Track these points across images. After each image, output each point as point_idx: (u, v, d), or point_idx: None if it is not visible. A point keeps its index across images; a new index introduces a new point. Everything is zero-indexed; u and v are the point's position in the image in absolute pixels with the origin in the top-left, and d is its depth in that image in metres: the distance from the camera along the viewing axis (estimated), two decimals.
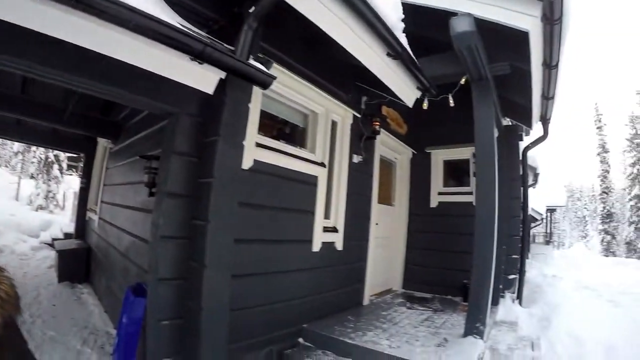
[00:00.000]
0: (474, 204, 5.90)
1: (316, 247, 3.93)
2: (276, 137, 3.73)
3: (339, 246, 4.28)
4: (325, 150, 4.20)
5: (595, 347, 4.35)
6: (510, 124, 5.92)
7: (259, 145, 3.36)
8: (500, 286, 5.28)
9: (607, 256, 24.82)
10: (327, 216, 4.22)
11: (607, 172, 28.48)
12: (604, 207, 28.29)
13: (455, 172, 6.28)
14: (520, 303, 5.24)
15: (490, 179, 3.75)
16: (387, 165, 6.10)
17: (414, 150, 6.34)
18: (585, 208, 44.82)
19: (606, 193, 28.28)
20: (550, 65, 3.74)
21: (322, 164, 4.08)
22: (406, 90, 4.12)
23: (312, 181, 3.94)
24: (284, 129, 4.11)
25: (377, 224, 5.19)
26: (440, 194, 6.09)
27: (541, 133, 5.41)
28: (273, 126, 3.93)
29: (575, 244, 32.22)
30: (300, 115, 4.20)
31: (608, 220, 28.04)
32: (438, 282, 5.81)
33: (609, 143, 28.86)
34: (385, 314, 4.53)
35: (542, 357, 3.85)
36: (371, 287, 5.30)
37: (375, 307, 4.81)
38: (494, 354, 3.58)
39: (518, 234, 5.48)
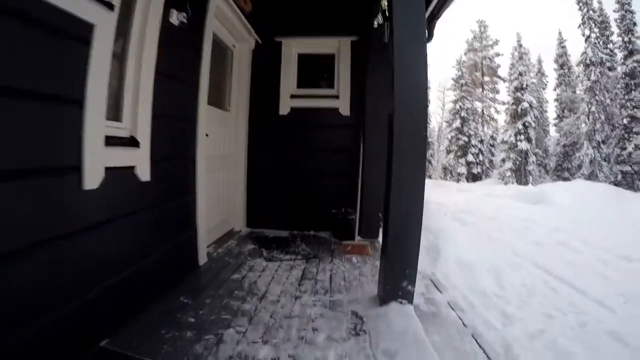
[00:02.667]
0: (340, 110, 4.52)
1: (93, 180, 1.73)
2: None
3: (144, 174, 2.16)
4: None
5: (482, 271, 3.85)
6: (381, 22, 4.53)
7: None
8: (380, 214, 4.21)
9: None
10: (116, 115, 2.03)
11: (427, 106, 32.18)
12: None
13: (315, 71, 4.60)
14: None
15: (419, 69, 2.25)
16: (222, 53, 3.96)
17: (258, 38, 4.36)
18: None
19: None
20: None
21: (105, 1, 1.79)
22: None
23: (79, 32, 1.63)
24: None
25: (207, 135, 3.24)
26: (293, 97, 4.40)
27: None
28: None
29: None
30: None
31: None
32: (295, 214, 4.34)
33: (432, 81, 32.21)
34: (238, 277, 2.81)
35: (454, 298, 2.93)
36: (208, 234, 3.46)
37: (219, 267, 3.03)
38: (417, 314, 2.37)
39: None
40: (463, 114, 28.11)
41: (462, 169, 27.35)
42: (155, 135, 2.25)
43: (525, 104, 24.10)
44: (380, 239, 4.00)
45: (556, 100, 26.26)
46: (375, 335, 1.97)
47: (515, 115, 24.64)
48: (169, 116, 2.51)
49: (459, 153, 27.75)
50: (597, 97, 21.45)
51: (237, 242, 3.81)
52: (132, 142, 2.06)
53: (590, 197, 9.01)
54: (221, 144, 3.87)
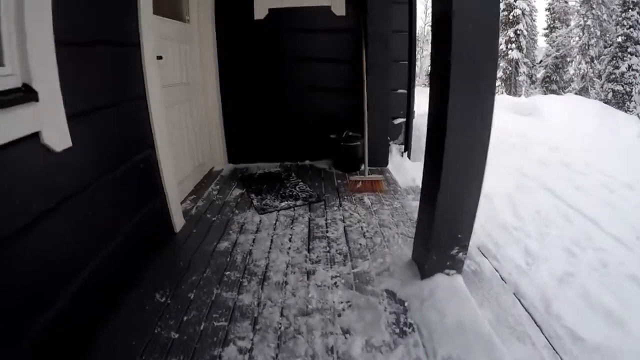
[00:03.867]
0: (333, 9, 3.44)
1: None
2: None
3: (60, 139, 1.35)
4: None
5: (500, 200, 3.52)
6: None
7: None
8: (389, 137, 3.53)
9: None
10: None
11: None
12: None
13: None
14: (409, 156, 3.70)
15: None
16: None
17: None
18: None
19: None
20: None
21: None
22: None
23: None
24: None
25: (160, 57, 2.37)
26: None
27: None
28: None
29: None
30: None
31: None
32: (285, 141, 3.62)
33: None
34: (228, 246, 2.16)
35: (481, 239, 2.60)
36: (181, 186, 2.80)
37: (202, 230, 2.37)
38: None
39: (404, 57, 3.54)
40: None
41: None
42: (69, 73, 1.42)
43: (518, 11, 22.04)
44: (390, 167, 3.40)
45: (547, 10, 24.12)
46: (427, 334, 1.46)
47: (507, 22, 22.63)
48: (90, 40, 1.61)
49: None
50: (593, 11, 19.79)
51: (219, 187, 3.14)
52: (26, 94, 1.25)
53: (583, 113, 8.52)
54: (183, 68, 2.96)
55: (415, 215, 2.43)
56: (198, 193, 3.01)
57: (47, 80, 1.32)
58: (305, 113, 3.51)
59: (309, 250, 2.11)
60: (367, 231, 2.30)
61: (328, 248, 2.13)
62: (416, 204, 2.75)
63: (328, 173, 3.36)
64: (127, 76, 1.95)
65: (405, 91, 3.62)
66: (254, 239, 2.27)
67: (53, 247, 1.31)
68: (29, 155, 1.24)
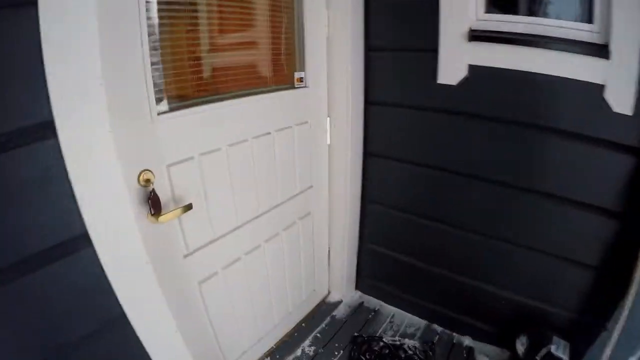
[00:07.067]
0: (609, 95, 1.33)
1: None
2: None
3: None
4: None
5: None
6: None
7: None
8: None
9: None
10: None
11: None
12: None
13: None
14: None
15: None
16: None
17: None
18: None
19: None
20: None
21: None
22: None
23: None
24: None
25: (188, 208, 1.30)
26: (476, 38, 1.67)
27: None
28: None
29: None
30: None
31: None
32: (440, 291, 2.16)
33: None
34: None
35: None
36: (257, 347, 1.91)
37: None
38: None
39: None
40: None
41: None
42: None
43: None
44: None
45: None
46: None
47: None
48: None
49: None
50: None
51: (312, 352, 2.04)
52: None
53: None
54: (279, 174, 1.82)
55: None
56: (279, 354, 2.02)
57: None
58: (490, 266, 1.95)
59: None
60: None
61: None
62: None
63: None
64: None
65: None
66: None
67: None
68: None
